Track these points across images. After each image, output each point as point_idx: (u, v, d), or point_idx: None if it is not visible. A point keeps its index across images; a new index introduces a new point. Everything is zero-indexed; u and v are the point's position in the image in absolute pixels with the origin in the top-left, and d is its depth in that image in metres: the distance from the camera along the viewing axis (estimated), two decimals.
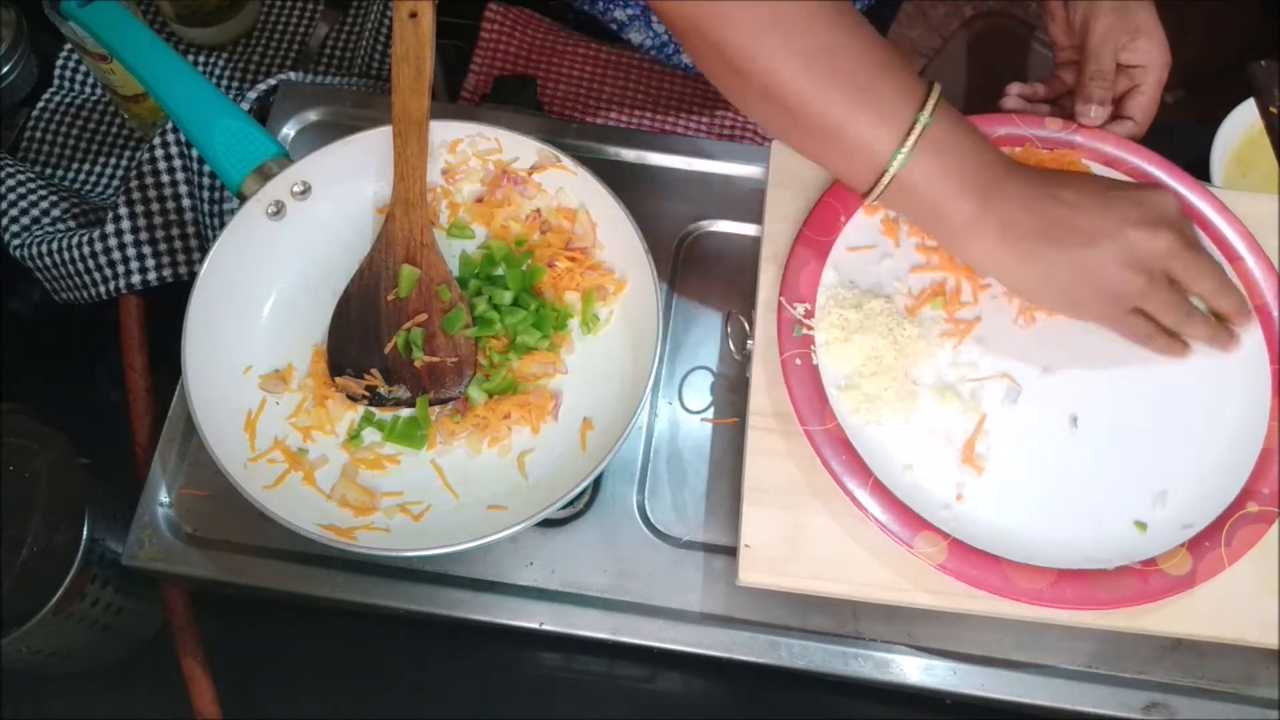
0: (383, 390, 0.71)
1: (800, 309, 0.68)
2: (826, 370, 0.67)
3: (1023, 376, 0.69)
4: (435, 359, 0.71)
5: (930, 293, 0.71)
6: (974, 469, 0.66)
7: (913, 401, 0.67)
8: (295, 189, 0.74)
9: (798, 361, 0.67)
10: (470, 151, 0.78)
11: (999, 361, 0.69)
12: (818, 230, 0.71)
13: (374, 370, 0.71)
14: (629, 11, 0.98)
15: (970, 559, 0.61)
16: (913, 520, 0.62)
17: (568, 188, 0.77)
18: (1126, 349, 0.69)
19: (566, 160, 0.75)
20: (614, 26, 1.02)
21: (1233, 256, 0.71)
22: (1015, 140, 0.75)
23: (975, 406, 0.68)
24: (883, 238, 0.73)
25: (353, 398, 0.71)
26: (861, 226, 0.72)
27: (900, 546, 0.62)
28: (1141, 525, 0.64)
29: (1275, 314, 0.70)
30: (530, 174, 0.78)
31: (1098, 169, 0.74)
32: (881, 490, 0.63)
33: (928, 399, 0.68)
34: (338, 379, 0.71)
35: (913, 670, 0.68)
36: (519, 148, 0.77)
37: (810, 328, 0.68)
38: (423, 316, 0.72)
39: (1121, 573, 0.62)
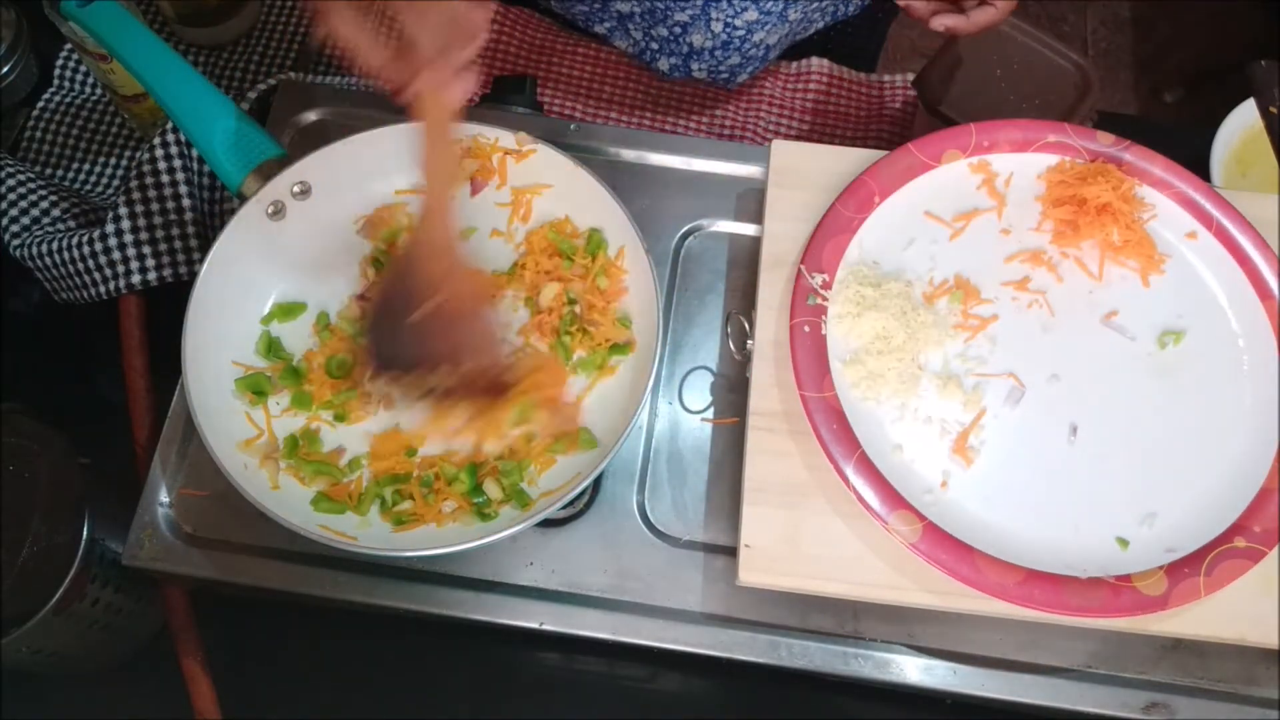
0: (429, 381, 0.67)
1: (819, 279, 0.69)
2: (834, 342, 0.68)
3: (1029, 379, 0.69)
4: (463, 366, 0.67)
5: (950, 286, 0.71)
6: (964, 460, 0.66)
7: (915, 386, 0.68)
8: (295, 189, 0.74)
9: (806, 329, 0.67)
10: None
11: (1008, 361, 0.69)
12: (850, 207, 0.72)
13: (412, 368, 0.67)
14: (607, 24, 0.99)
15: (944, 544, 0.62)
16: (893, 498, 0.63)
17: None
18: (1140, 368, 0.69)
19: (567, 160, 0.75)
20: (600, 36, 1.03)
21: (1242, 258, 0.72)
22: (1065, 149, 0.75)
23: (976, 401, 0.68)
24: (923, 223, 0.73)
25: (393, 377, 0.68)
26: (896, 211, 0.73)
27: (876, 522, 0.62)
28: (1124, 542, 0.64)
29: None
30: None
31: (1144, 190, 0.74)
32: (867, 465, 0.64)
33: (930, 386, 0.68)
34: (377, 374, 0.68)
35: (913, 670, 0.68)
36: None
37: (825, 298, 0.69)
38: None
39: (1094, 583, 0.62)
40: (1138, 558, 0.64)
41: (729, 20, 0.91)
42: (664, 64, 0.98)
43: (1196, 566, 0.62)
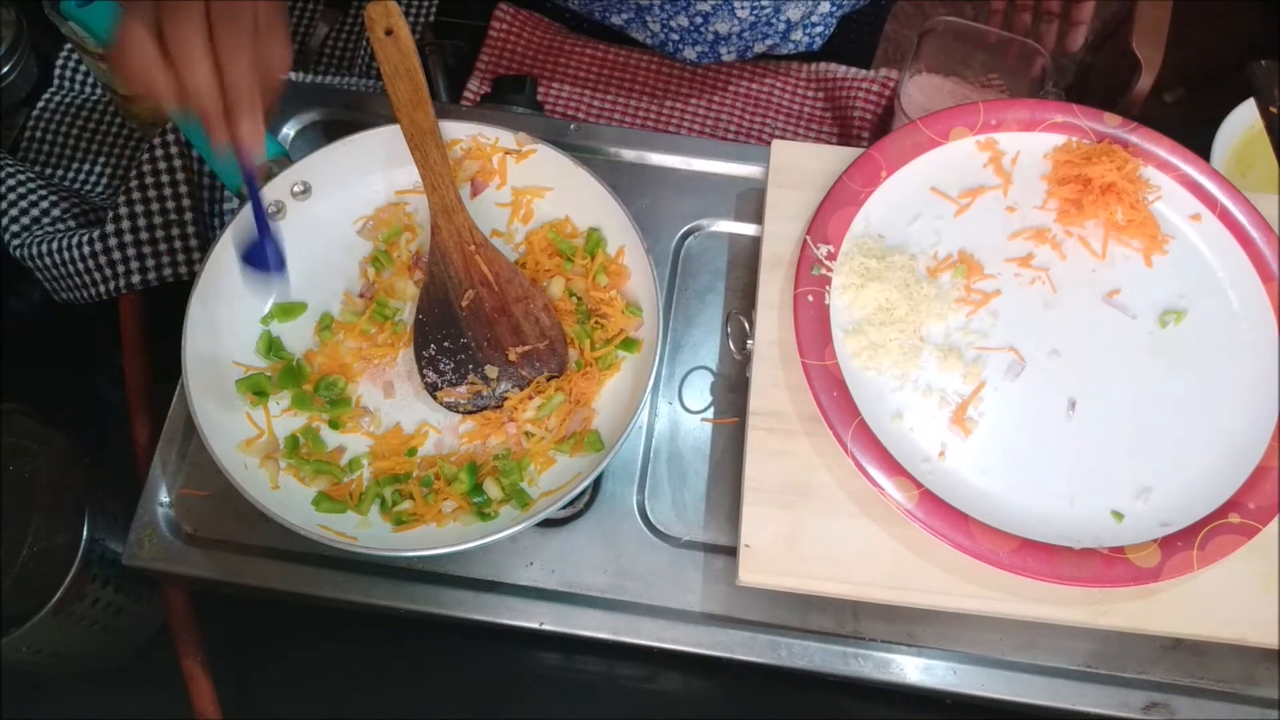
0: (485, 391, 0.71)
1: (824, 250, 0.70)
2: (837, 312, 0.69)
3: (1030, 354, 0.69)
4: (527, 347, 0.72)
5: (954, 261, 0.72)
6: (962, 430, 0.67)
7: (915, 357, 0.68)
8: (295, 189, 0.74)
9: (809, 298, 0.68)
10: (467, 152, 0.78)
11: (1009, 335, 0.70)
12: (858, 180, 0.72)
13: (471, 378, 0.71)
14: (624, 16, 0.99)
15: (940, 511, 0.62)
16: (891, 465, 0.63)
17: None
18: (1140, 346, 0.70)
19: (566, 160, 0.75)
20: (616, 29, 1.02)
21: (1245, 241, 0.72)
22: (1071, 129, 0.75)
23: (976, 373, 0.68)
24: (929, 198, 0.74)
25: (456, 408, 0.71)
26: (902, 186, 0.74)
27: (872, 488, 0.63)
28: (1119, 515, 0.65)
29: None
30: None
31: (1149, 172, 0.75)
32: (865, 432, 0.64)
33: (930, 358, 0.69)
34: (439, 396, 0.71)
35: (913, 670, 0.68)
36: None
37: (829, 269, 0.69)
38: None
39: (1087, 554, 0.62)
40: (1132, 530, 0.64)
41: (755, 2, 0.90)
42: (690, 53, 0.97)
43: (1190, 540, 0.63)
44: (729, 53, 0.97)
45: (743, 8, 0.90)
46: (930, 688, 0.68)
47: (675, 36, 0.96)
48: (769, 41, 0.97)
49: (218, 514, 0.71)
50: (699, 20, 0.93)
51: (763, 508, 0.65)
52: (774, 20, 0.93)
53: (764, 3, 0.90)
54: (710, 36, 0.94)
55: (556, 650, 0.77)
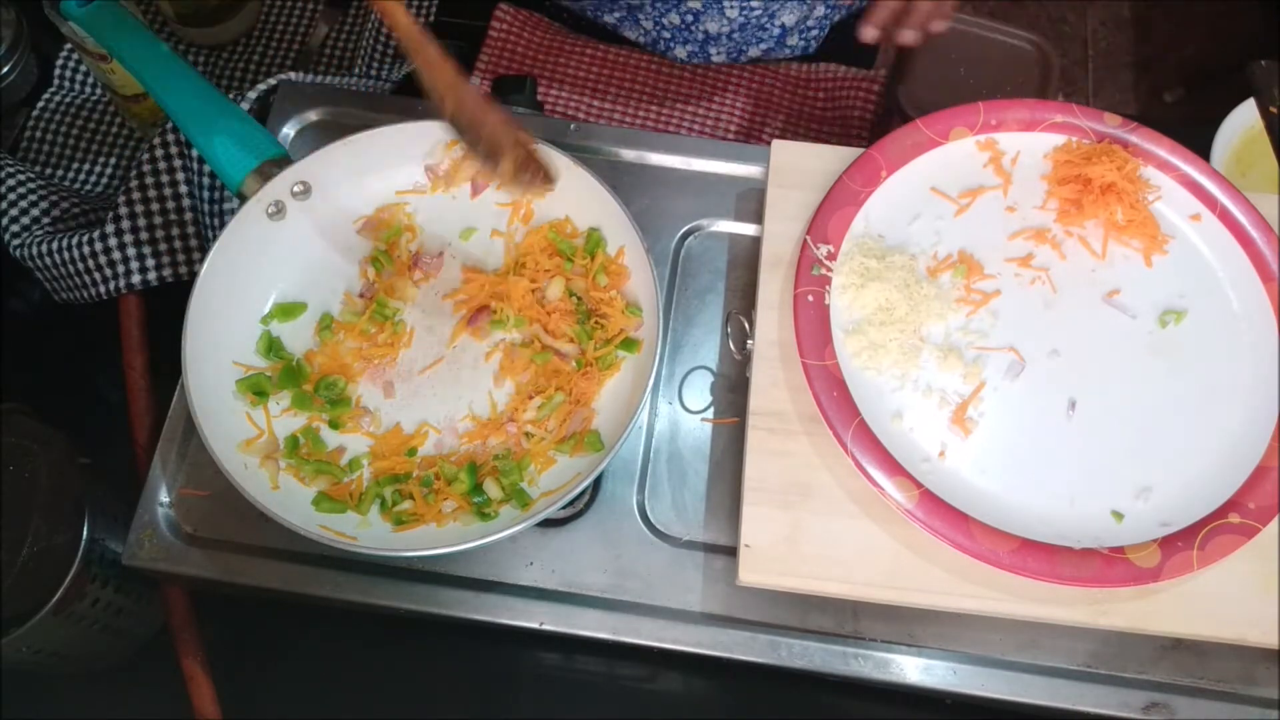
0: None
1: (824, 250, 0.70)
2: (837, 312, 0.69)
3: (1030, 354, 0.69)
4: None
5: (954, 261, 0.72)
6: (962, 430, 0.67)
7: (915, 357, 0.68)
8: (295, 189, 0.74)
9: (809, 298, 0.68)
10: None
11: (1009, 336, 0.70)
12: (858, 180, 0.72)
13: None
14: (616, 15, 0.99)
15: (939, 511, 0.62)
16: (891, 465, 0.63)
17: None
18: (1140, 346, 0.70)
19: (566, 160, 0.75)
20: (609, 28, 1.03)
21: (1245, 241, 0.72)
22: (1071, 129, 0.76)
23: (976, 373, 0.68)
24: (929, 198, 0.74)
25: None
26: (902, 186, 0.74)
27: (873, 488, 0.63)
28: (1119, 515, 0.65)
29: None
30: None
31: (1149, 172, 0.75)
32: (866, 432, 0.64)
33: (931, 358, 0.69)
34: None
35: (913, 670, 0.68)
36: None
37: (829, 269, 0.69)
38: None
39: (1087, 554, 0.62)
40: (1132, 530, 0.64)
41: (744, 2, 0.90)
42: (680, 52, 0.98)
43: (1190, 540, 0.63)
44: (719, 54, 0.97)
45: (732, 7, 0.91)
46: (930, 688, 0.68)
47: (666, 35, 0.96)
48: (763, 45, 0.98)
49: (218, 514, 0.71)
50: (689, 18, 0.93)
51: (763, 508, 0.65)
52: (768, 25, 0.93)
53: (754, 4, 0.90)
54: (700, 36, 0.95)
55: (556, 650, 0.77)
